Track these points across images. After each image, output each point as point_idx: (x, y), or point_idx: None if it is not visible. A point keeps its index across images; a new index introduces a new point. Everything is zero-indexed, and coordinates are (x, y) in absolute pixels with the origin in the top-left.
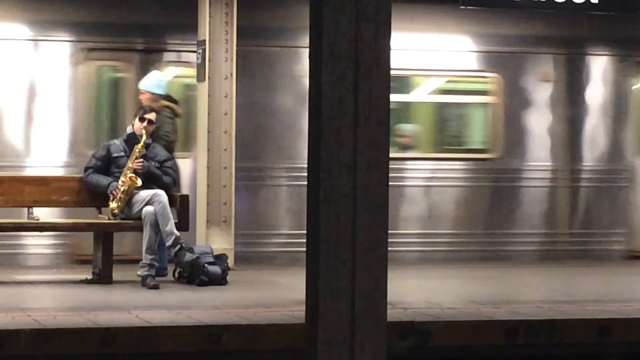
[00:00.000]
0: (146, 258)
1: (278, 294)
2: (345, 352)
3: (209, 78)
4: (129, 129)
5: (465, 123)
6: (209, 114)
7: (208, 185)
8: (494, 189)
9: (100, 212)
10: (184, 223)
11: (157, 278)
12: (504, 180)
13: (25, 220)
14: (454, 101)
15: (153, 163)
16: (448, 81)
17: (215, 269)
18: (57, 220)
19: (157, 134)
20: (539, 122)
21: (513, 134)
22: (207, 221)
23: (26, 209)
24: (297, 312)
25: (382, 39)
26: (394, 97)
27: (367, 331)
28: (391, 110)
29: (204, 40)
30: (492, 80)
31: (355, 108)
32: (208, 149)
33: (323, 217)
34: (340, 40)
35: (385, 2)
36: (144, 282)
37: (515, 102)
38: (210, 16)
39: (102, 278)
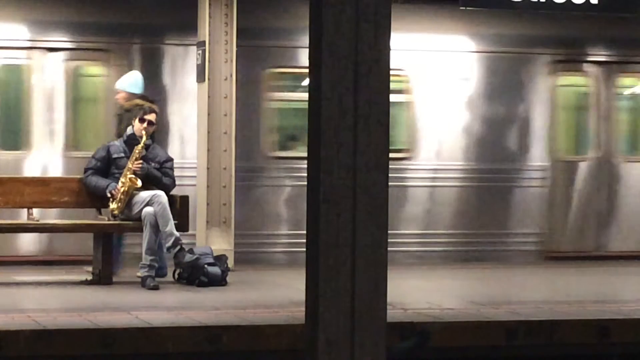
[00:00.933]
0: (146, 259)
1: (278, 295)
2: (345, 352)
3: (208, 79)
4: (129, 130)
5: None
6: (208, 114)
7: (208, 186)
8: (406, 190)
9: (100, 213)
10: (183, 224)
11: (156, 278)
12: (416, 180)
13: (25, 221)
14: None
15: (153, 164)
16: None
17: (215, 269)
18: (56, 221)
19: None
20: (453, 121)
21: (425, 133)
22: (207, 222)
23: (26, 210)
24: (296, 313)
25: (382, 39)
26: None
27: (366, 332)
28: (305, 110)
29: (204, 41)
30: (404, 78)
31: (355, 108)
32: (208, 150)
33: (323, 218)
34: (340, 41)
35: (385, 3)
36: (143, 283)
37: (426, 100)
38: (210, 17)
39: (102, 279)
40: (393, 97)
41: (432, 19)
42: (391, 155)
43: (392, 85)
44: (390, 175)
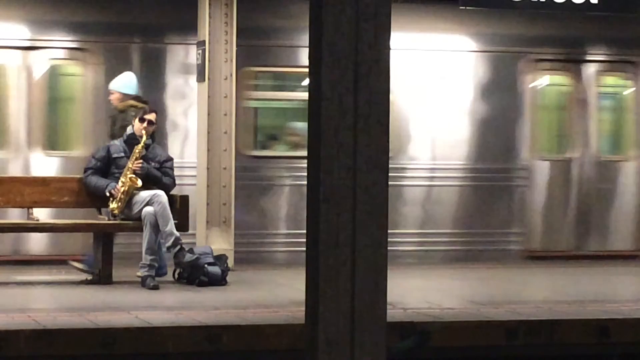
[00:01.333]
0: (146, 259)
1: (278, 295)
2: (345, 352)
3: (208, 79)
4: (129, 130)
5: None
6: (208, 114)
7: (208, 186)
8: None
9: (100, 213)
10: (183, 224)
11: (156, 278)
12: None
13: (25, 221)
14: None
15: (153, 164)
16: None
17: (215, 269)
18: (56, 221)
19: (122, 133)
20: (432, 120)
21: (400, 132)
22: (207, 222)
23: (26, 209)
24: (297, 313)
25: (382, 39)
26: (285, 95)
27: (366, 332)
28: (283, 109)
29: (204, 41)
30: None
31: (355, 108)
32: (208, 150)
33: (323, 217)
34: (340, 41)
35: (385, 2)
36: (143, 283)
37: (401, 99)
38: (210, 17)
39: (102, 278)
40: None
41: (410, 17)
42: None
43: None
44: None
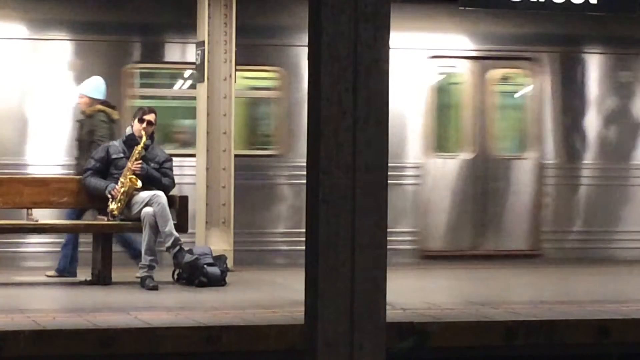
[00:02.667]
0: (145, 259)
1: (277, 295)
2: (344, 353)
3: (207, 79)
4: (128, 130)
5: (257, 118)
6: (208, 114)
7: (207, 187)
8: (281, 187)
9: (99, 213)
10: (183, 224)
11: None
12: (291, 177)
13: (24, 221)
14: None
15: (152, 164)
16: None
17: (215, 270)
18: (56, 222)
19: (92, 138)
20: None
21: (297, 129)
22: (207, 222)
23: (25, 210)
24: (296, 313)
25: (381, 39)
26: (171, 93)
27: (366, 332)
28: (172, 107)
29: (203, 42)
30: (276, 75)
31: (354, 108)
32: (207, 150)
33: (322, 218)
34: (339, 41)
35: (384, 3)
36: (143, 283)
37: (298, 96)
38: (209, 17)
39: (101, 279)
40: (266, 94)
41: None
42: (265, 153)
43: (267, 83)
44: (265, 173)
